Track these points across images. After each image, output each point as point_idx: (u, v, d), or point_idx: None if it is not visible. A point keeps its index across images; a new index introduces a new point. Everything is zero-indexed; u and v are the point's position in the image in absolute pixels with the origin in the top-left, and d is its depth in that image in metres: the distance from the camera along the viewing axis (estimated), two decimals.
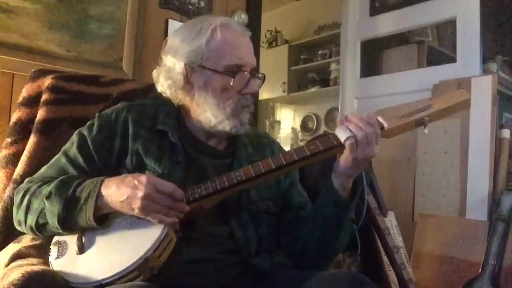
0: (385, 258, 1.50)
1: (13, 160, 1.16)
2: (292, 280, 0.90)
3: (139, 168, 0.96)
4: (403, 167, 2.12)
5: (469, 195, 1.85)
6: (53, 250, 0.90)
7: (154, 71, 1.07)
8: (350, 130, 0.89)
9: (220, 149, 1.06)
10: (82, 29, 1.65)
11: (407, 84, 2.32)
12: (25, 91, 1.23)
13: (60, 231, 0.90)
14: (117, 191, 0.85)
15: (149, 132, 1.01)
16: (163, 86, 1.05)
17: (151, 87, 1.11)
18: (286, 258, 1.04)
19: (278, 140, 3.98)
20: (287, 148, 1.11)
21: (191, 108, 1.04)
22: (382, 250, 1.50)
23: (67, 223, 0.88)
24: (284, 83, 4.19)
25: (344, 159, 0.91)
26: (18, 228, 0.96)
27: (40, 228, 0.92)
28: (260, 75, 1.06)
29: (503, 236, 1.57)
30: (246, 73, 0.99)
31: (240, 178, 0.90)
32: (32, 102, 1.21)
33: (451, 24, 2.36)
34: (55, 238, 0.93)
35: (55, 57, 1.57)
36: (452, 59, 2.30)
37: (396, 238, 1.59)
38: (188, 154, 1.00)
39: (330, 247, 1.03)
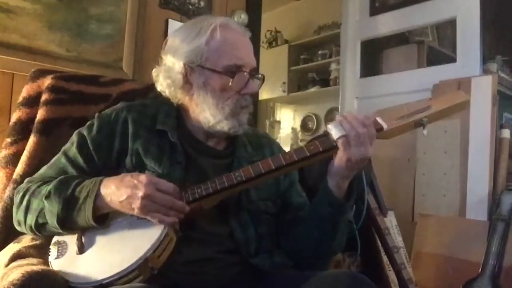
0: (385, 258, 1.50)
1: (13, 160, 1.16)
2: (292, 280, 0.90)
3: (139, 168, 0.96)
4: (403, 167, 2.12)
5: (469, 195, 1.85)
6: (53, 250, 0.90)
7: (153, 70, 1.07)
8: (343, 128, 0.88)
9: (219, 149, 1.07)
10: (82, 29, 1.65)
11: (407, 84, 2.32)
12: (25, 91, 1.23)
13: (60, 231, 0.90)
14: (117, 191, 0.85)
15: (148, 132, 1.01)
16: (162, 85, 1.05)
17: (151, 87, 1.11)
18: (286, 258, 1.04)
19: (278, 140, 3.99)
20: (287, 148, 1.11)
21: (190, 108, 1.04)
22: (382, 250, 1.50)
23: (67, 223, 0.88)
24: (284, 83, 4.19)
25: (338, 159, 0.90)
26: (17, 228, 0.96)
27: (40, 228, 0.92)
28: (260, 75, 1.06)
29: (503, 236, 1.57)
30: (245, 73, 0.99)
31: (240, 179, 0.90)
32: (32, 102, 1.21)
33: (451, 24, 2.36)
34: (55, 238, 0.93)
35: (55, 57, 1.58)
36: (452, 59, 2.29)
37: (396, 238, 1.59)
38: (187, 154, 1.00)
39: (327, 248, 1.03)
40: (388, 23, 2.51)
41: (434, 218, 1.92)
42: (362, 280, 0.83)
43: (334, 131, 0.89)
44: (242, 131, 1.03)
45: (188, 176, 0.97)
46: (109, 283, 0.81)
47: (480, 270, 1.56)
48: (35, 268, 0.81)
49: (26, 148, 1.16)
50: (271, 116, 4.42)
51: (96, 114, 1.05)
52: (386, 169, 2.12)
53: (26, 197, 0.92)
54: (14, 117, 1.21)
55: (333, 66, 3.85)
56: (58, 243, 0.91)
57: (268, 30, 4.30)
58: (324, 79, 3.98)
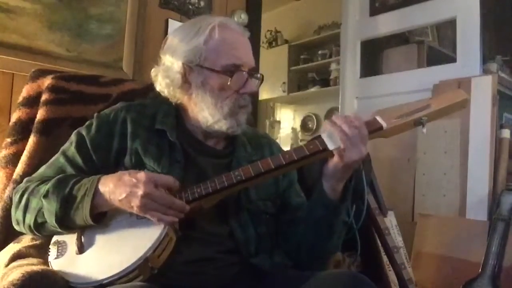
0: (385, 258, 1.50)
1: (13, 160, 1.16)
2: (292, 280, 0.90)
3: (138, 167, 0.96)
4: (403, 167, 2.12)
5: (469, 195, 1.85)
6: (53, 250, 0.90)
7: (152, 69, 1.07)
8: (337, 138, 0.88)
9: (218, 148, 1.07)
10: (82, 29, 1.65)
11: (407, 84, 2.32)
12: (25, 91, 1.23)
13: (59, 230, 0.89)
14: (116, 189, 0.85)
15: (148, 132, 1.01)
16: (161, 85, 1.05)
17: (151, 87, 1.11)
18: (285, 258, 1.04)
19: (278, 140, 3.99)
20: (287, 148, 1.11)
21: (189, 107, 1.04)
22: (382, 250, 1.50)
23: (65, 222, 0.88)
24: (284, 83, 4.20)
25: (333, 163, 0.91)
26: (16, 227, 0.96)
27: (39, 227, 0.91)
28: (259, 75, 1.06)
29: (503, 236, 1.57)
30: (244, 73, 0.99)
31: (240, 178, 0.89)
32: (32, 102, 1.21)
33: (451, 24, 2.36)
34: (54, 238, 0.93)
35: (55, 57, 1.58)
36: (452, 59, 2.29)
37: (396, 238, 1.59)
38: (187, 153, 1.00)
39: (323, 248, 1.03)
40: (388, 23, 2.51)
41: (434, 218, 1.92)
42: (362, 280, 0.83)
43: (330, 143, 0.89)
44: (241, 131, 1.03)
45: (188, 176, 0.97)
46: (109, 283, 0.81)
47: (480, 270, 1.56)
48: (35, 268, 0.81)
49: (26, 148, 1.16)
50: (271, 116, 4.43)
51: (95, 114, 1.05)
52: (386, 169, 2.12)
53: (25, 197, 0.92)
54: (14, 117, 1.21)
55: (333, 66, 3.85)
56: (57, 243, 0.91)
57: (268, 30, 4.30)
58: (324, 79, 3.98)
